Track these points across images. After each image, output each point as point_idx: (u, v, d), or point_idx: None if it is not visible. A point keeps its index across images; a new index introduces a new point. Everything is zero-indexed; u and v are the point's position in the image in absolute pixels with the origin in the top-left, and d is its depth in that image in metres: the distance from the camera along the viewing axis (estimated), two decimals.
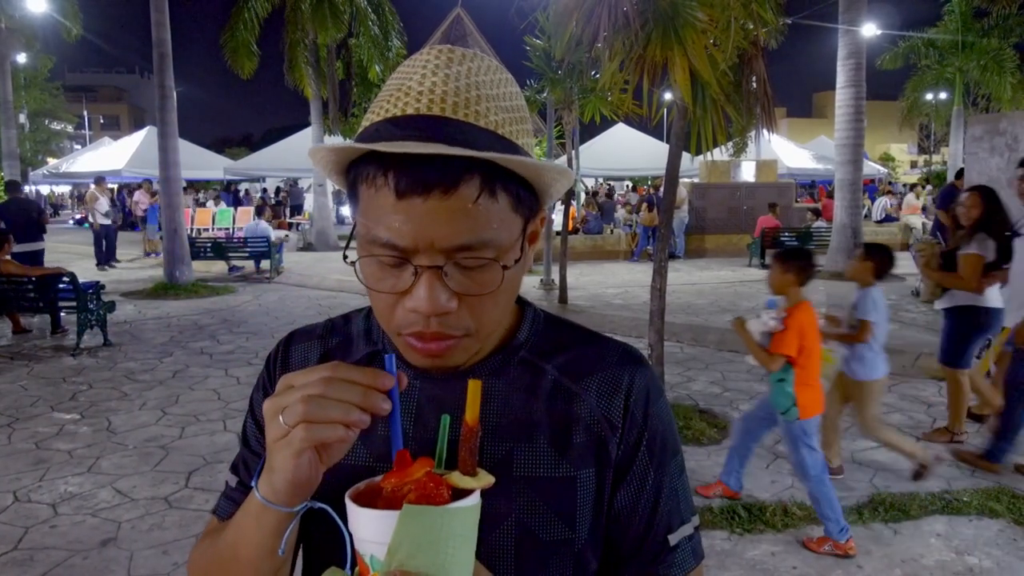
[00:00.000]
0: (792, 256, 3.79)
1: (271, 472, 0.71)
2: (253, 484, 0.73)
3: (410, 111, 0.71)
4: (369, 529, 0.66)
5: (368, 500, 0.69)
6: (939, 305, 5.20)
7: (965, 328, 5.01)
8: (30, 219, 10.51)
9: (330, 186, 23.60)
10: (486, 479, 0.71)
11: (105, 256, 15.21)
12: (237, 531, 0.78)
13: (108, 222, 15.15)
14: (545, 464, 0.82)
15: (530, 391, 0.85)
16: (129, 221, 23.62)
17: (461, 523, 0.66)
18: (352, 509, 0.68)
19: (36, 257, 10.20)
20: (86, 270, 12.61)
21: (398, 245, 0.71)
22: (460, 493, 0.68)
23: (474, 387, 0.71)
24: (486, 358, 0.86)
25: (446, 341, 0.75)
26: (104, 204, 15.19)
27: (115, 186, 27.28)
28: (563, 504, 0.82)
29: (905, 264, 13.35)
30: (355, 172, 0.75)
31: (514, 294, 0.81)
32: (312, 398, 0.67)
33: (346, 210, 25.16)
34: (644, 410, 0.87)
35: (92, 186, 16.17)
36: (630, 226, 18.99)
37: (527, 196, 0.77)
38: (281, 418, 0.68)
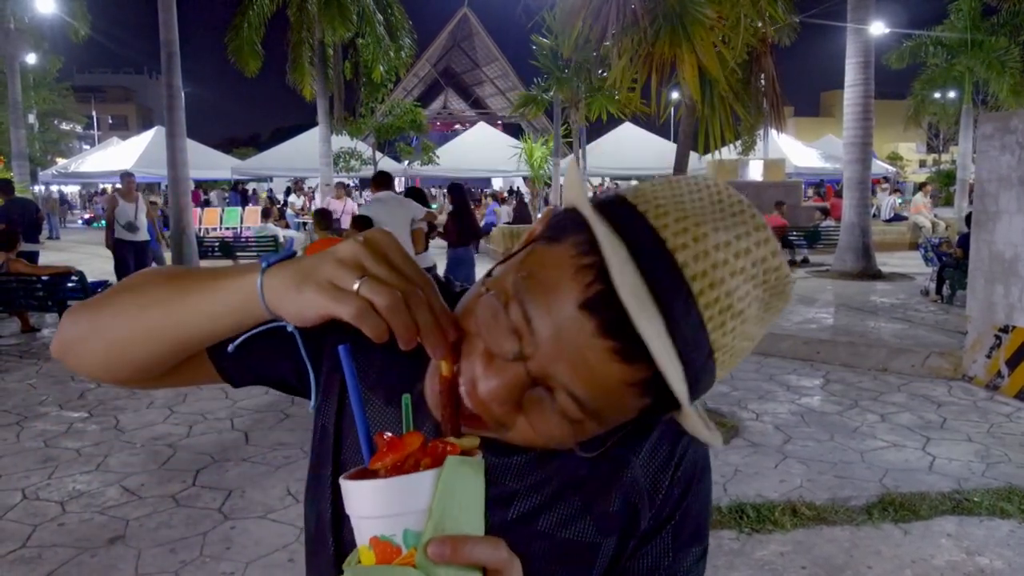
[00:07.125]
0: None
1: (291, 287, 0.62)
2: (265, 265, 0.65)
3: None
4: (389, 502, 0.57)
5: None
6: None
7: None
8: (32, 220, 10.55)
9: None
10: (474, 439, 0.63)
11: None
12: (204, 285, 0.69)
13: (142, 237, 9.98)
14: (573, 526, 0.76)
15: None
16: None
17: (482, 481, 0.61)
18: (356, 488, 0.57)
19: (32, 259, 10.08)
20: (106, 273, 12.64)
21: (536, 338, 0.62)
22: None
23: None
24: None
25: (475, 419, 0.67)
26: (129, 212, 9.80)
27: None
28: (579, 570, 0.77)
29: (915, 264, 13.30)
30: (573, 231, 0.61)
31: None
32: (403, 297, 0.59)
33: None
34: (685, 487, 0.80)
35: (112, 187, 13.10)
36: None
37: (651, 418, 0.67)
38: (358, 284, 0.59)
